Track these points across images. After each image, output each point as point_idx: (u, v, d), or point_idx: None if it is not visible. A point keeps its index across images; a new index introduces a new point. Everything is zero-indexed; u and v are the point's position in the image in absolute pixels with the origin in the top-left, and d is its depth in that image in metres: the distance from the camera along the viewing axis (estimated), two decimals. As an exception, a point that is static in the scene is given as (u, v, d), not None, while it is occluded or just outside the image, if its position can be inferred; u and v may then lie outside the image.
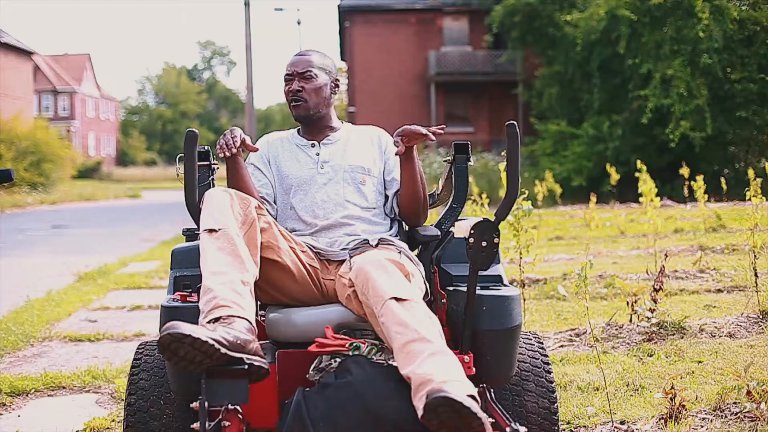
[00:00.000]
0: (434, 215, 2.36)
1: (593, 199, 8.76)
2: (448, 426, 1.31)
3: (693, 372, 2.73)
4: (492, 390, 1.75)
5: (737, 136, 16.02)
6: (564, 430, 2.25)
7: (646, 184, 5.69)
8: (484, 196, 4.64)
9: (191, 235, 2.12)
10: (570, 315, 3.97)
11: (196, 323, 1.44)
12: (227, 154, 1.84)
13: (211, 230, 1.61)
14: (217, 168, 2.12)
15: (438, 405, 1.29)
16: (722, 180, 11.07)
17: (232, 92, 76.83)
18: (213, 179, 2.06)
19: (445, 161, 2.15)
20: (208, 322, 1.45)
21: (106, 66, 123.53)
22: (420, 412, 1.35)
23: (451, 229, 2.07)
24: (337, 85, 2.09)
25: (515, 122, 1.87)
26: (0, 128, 20.10)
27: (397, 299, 1.51)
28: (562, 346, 3.34)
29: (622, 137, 15.49)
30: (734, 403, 2.30)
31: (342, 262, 1.88)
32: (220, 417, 1.46)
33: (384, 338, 1.56)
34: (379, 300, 1.53)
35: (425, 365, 1.40)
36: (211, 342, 1.33)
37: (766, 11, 14.86)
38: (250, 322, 1.48)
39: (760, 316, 3.48)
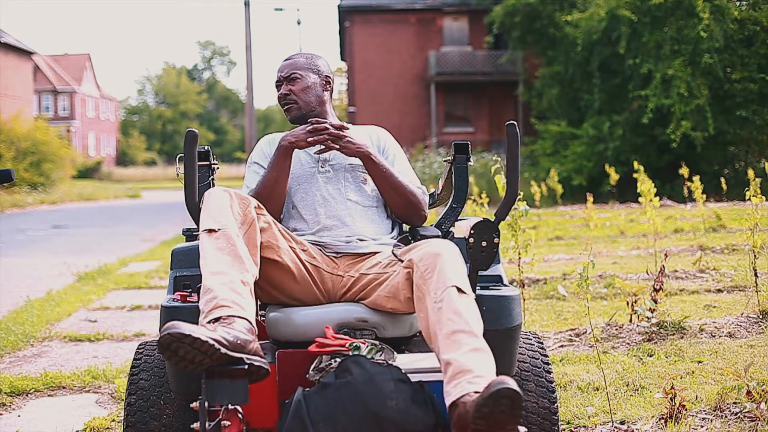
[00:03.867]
0: (434, 215, 2.36)
1: (590, 198, 8.76)
2: (496, 418, 1.28)
3: (693, 372, 2.74)
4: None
5: (737, 136, 16.03)
6: (564, 430, 2.26)
7: (645, 184, 5.68)
8: (484, 196, 4.64)
9: (191, 235, 2.12)
10: (570, 315, 3.97)
11: (196, 323, 1.44)
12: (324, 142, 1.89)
13: (210, 230, 1.61)
14: (217, 168, 2.12)
15: (501, 396, 1.26)
16: (722, 180, 11.08)
17: (232, 92, 76.98)
18: (213, 179, 2.06)
19: (445, 161, 2.16)
20: (208, 322, 1.45)
21: (106, 66, 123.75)
22: (453, 398, 1.35)
23: (451, 229, 2.07)
24: (329, 83, 2.10)
25: (515, 122, 1.87)
26: (0, 128, 20.11)
27: (459, 289, 1.53)
28: (562, 346, 3.34)
29: (622, 137, 15.49)
30: (734, 403, 2.30)
31: (352, 255, 1.88)
32: (220, 417, 1.46)
33: (427, 324, 1.54)
34: (441, 285, 1.53)
35: (468, 356, 1.41)
36: (211, 342, 1.33)
37: (766, 11, 14.87)
38: (250, 322, 1.48)
39: (760, 316, 3.48)
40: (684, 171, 9.05)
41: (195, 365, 1.36)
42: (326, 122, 1.90)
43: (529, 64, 20.75)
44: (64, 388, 2.95)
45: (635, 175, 6.86)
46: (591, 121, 16.29)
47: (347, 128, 1.93)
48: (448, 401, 1.37)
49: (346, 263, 1.88)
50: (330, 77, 2.12)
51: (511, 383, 1.29)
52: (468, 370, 1.38)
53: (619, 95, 16.32)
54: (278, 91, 2.07)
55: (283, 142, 1.90)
